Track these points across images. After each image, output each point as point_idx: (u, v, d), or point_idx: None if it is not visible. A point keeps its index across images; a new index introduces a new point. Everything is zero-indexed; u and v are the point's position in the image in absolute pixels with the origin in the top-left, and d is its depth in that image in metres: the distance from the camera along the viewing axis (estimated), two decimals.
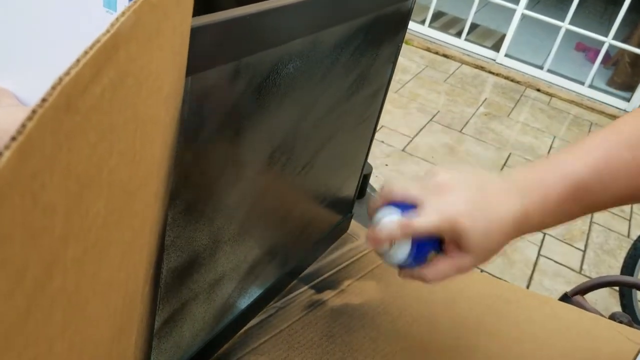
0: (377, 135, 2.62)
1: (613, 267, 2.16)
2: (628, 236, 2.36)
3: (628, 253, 1.76)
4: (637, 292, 1.74)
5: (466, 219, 0.44)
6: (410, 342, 0.60)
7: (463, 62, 3.63)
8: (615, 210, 2.50)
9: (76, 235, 0.18)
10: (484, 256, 0.46)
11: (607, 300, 1.99)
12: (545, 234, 2.25)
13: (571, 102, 3.45)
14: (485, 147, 2.76)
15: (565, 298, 1.10)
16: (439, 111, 2.98)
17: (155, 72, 0.23)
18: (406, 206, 0.47)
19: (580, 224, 2.36)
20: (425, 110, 2.96)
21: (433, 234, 0.45)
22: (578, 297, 1.09)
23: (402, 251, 0.47)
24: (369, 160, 0.74)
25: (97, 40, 0.18)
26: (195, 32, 0.30)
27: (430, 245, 0.47)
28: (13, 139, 0.14)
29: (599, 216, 2.44)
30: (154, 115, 0.25)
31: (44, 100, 0.15)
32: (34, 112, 0.14)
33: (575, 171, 0.45)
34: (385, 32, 0.56)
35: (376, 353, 0.58)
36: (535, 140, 2.93)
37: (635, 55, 3.47)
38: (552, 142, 2.94)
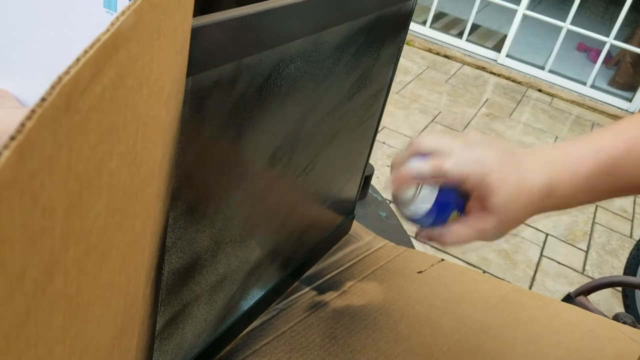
0: (378, 136, 2.62)
1: (616, 268, 2.15)
2: (630, 236, 2.35)
3: (631, 253, 1.75)
4: None
5: (496, 174, 0.43)
6: (413, 344, 0.60)
7: (464, 62, 3.63)
8: (617, 210, 2.50)
9: (77, 237, 0.18)
10: (507, 222, 0.44)
11: (610, 301, 1.99)
12: (547, 234, 2.24)
13: (573, 102, 3.44)
14: None
15: (569, 299, 1.10)
16: (440, 112, 2.98)
17: (156, 72, 0.23)
18: None
19: (582, 225, 2.36)
20: (427, 111, 2.96)
21: (460, 184, 0.44)
22: (581, 298, 1.09)
23: (426, 202, 0.45)
24: (371, 162, 0.74)
25: (97, 40, 0.18)
26: (196, 32, 0.30)
27: (453, 204, 0.45)
28: (12, 138, 0.13)
29: (601, 216, 2.43)
30: (155, 115, 0.25)
31: (43, 99, 0.15)
32: (33, 111, 0.14)
33: (610, 146, 0.44)
34: (386, 33, 0.56)
35: (379, 354, 0.58)
36: (537, 140, 2.92)
37: (637, 55, 3.46)
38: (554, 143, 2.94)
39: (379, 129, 0.67)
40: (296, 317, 0.61)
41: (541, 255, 2.14)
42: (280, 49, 0.40)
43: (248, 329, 0.59)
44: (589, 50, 3.92)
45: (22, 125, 0.14)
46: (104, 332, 0.25)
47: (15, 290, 0.15)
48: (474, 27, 3.84)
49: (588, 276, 2.09)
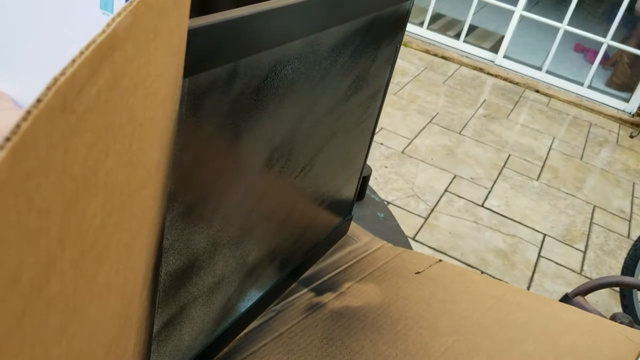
0: (376, 137, 2.62)
1: (614, 268, 2.16)
2: (628, 237, 2.35)
3: (628, 254, 1.76)
4: (638, 292, 1.74)
5: None
6: (411, 344, 0.60)
7: (462, 63, 3.63)
8: (615, 211, 2.50)
9: (73, 238, 0.18)
10: None
11: (607, 301, 1.99)
12: (545, 235, 2.24)
13: (570, 103, 3.45)
14: (485, 148, 2.76)
15: (566, 299, 1.10)
16: (438, 113, 2.98)
17: (153, 74, 0.23)
18: None
19: (580, 225, 2.36)
20: (424, 112, 2.96)
21: None
22: (579, 298, 1.09)
23: None
24: (368, 163, 0.74)
25: (93, 41, 0.18)
26: (192, 33, 0.30)
27: None
28: (7, 139, 0.14)
29: (599, 217, 2.44)
30: (152, 116, 0.25)
31: (39, 100, 0.15)
32: (28, 112, 0.14)
33: None
34: (383, 34, 0.56)
35: (377, 355, 0.58)
36: (534, 141, 2.93)
37: (634, 55, 3.47)
38: (552, 143, 2.94)
39: (377, 130, 0.67)
40: (294, 319, 0.61)
41: (539, 255, 2.14)
42: (277, 50, 0.40)
43: (246, 331, 0.59)
44: (586, 51, 3.92)
45: (18, 126, 0.14)
46: (101, 333, 0.25)
47: (11, 290, 0.15)
48: (471, 28, 3.85)
49: (586, 276, 2.09)
